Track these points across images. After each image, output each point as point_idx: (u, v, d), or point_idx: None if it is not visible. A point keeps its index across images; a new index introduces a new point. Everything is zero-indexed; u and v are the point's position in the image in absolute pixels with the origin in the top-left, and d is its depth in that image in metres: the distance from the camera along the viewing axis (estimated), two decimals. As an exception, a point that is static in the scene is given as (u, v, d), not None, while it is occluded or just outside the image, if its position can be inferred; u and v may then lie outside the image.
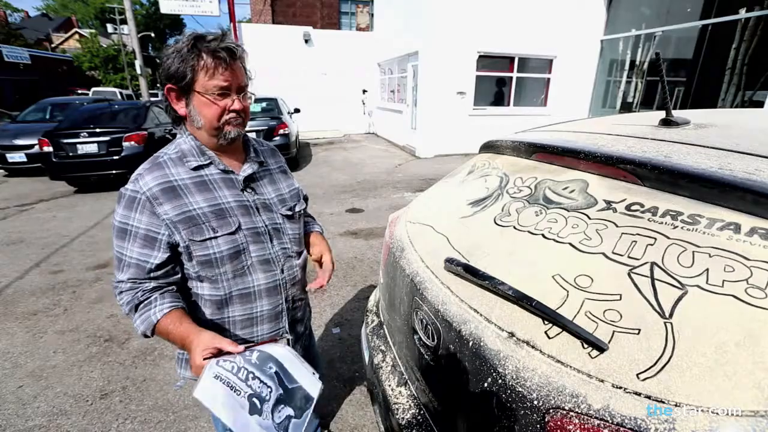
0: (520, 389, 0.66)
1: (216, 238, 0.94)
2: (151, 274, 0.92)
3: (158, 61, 0.92)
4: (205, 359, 0.82)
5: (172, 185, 0.91)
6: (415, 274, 1.05)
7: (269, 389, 0.84)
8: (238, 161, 1.03)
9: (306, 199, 1.24)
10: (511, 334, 0.72)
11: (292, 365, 0.91)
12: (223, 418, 0.75)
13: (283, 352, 0.92)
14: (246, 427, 0.78)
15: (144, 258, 0.91)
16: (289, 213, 1.10)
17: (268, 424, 0.81)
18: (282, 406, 0.85)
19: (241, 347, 0.87)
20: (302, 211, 1.18)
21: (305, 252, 1.21)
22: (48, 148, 5.98)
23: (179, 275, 0.98)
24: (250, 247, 1.00)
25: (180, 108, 0.94)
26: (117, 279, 0.93)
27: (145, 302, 0.91)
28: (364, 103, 13.33)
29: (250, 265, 1.01)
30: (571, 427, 0.59)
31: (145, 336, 0.92)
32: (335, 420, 1.90)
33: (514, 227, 0.91)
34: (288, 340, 1.13)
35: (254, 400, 0.80)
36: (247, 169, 1.02)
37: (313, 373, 0.94)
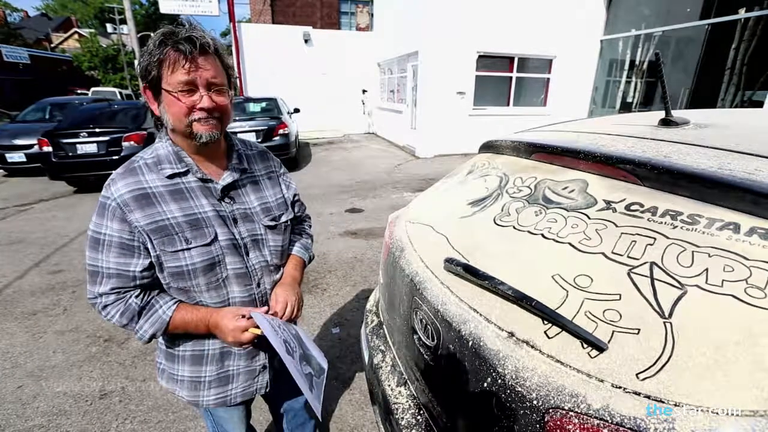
0: (519, 389, 0.66)
1: (189, 249, 0.89)
2: (137, 281, 0.88)
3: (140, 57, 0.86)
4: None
5: (144, 192, 0.86)
6: (415, 274, 1.05)
7: (294, 345, 0.97)
8: (218, 168, 0.97)
9: (297, 204, 1.18)
10: (511, 334, 0.72)
11: (306, 339, 1.05)
12: (274, 344, 0.87)
13: (298, 328, 1.05)
14: (287, 360, 0.89)
15: (123, 267, 0.86)
16: (273, 224, 1.04)
17: (299, 369, 0.93)
18: (305, 363, 0.97)
19: (264, 308, 0.98)
20: (288, 222, 1.10)
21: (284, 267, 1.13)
22: (47, 148, 5.97)
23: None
24: (225, 259, 0.94)
25: (154, 108, 0.88)
26: (96, 292, 0.87)
27: (148, 305, 0.90)
28: (363, 103, 13.32)
29: (225, 278, 0.96)
30: (570, 426, 0.59)
31: (150, 340, 0.92)
32: (335, 420, 1.90)
33: (514, 227, 0.91)
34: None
35: (287, 344, 0.93)
36: (227, 178, 0.96)
37: (320, 351, 1.08)
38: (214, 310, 0.92)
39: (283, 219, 1.08)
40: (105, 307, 0.88)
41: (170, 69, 0.82)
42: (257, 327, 0.90)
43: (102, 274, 0.87)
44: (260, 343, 0.96)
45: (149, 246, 0.87)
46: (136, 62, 12.63)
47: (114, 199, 0.85)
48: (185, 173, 0.91)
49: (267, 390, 1.10)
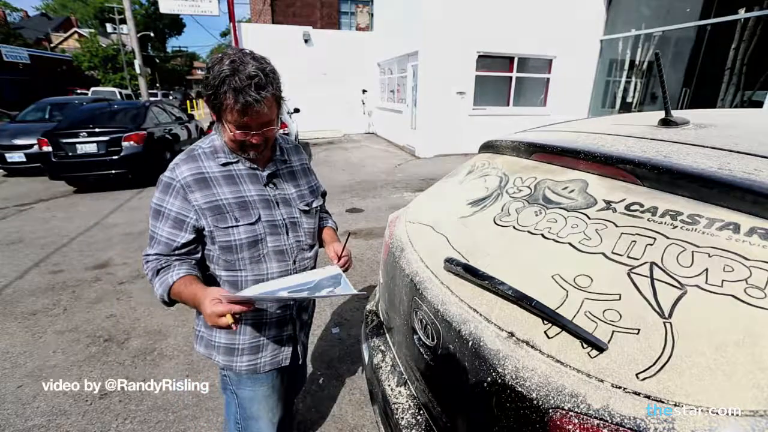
0: (519, 389, 0.66)
1: (237, 226, 1.03)
2: (176, 252, 1.02)
3: (207, 66, 0.96)
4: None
5: (203, 176, 1.01)
6: (415, 274, 1.05)
7: (296, 286, 1.03)
8: (264, 158, 1.10)
9: (324, 194, 1.34)
10: (511, 334, 0.72)
11: (305, 277, 1.08)
12: (275, 297, 1.01)
13: (282, 285, 1.04)
14: (301, 295, 1.02)
15: (172, 237, 1.01)
16: (306, 208, 1.19)
17: (318, 295, 1.04)
18: (317, 291, 1.04)
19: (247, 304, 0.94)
20: (318, 208, 1.26)
21: (317, 246, 1.28)
22: (47, 148, 5.97)
23: (199, 255, 1.07)
24: (267, 237, 1.08)
25: (213, 116, 1.00)
26: (146, 252, 1.04)
27: (165, 267, 1.01)
28: (363, 103, 13.32)
29: (265, 254, 1.08)
30: (570, 426, 0.59)
31: (164, 302, 1.01)
32: (335, 420, 1.90)
33: (514, 227, 0.91)
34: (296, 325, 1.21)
35: (290, 291, 1.01)
36: (271, 167, 1.11)
37: (323, 270, 1.12)
38: (203, 289, 0.95)
39: (315, 205, 1.23)
40: (147, 262, 1.04)
41: (230, 112, 0.93)
42: (234, 315, 0.90)
43: (155, 240, 1.03)
44: (254, 320, 1.12)
45: (204, 222, 1.01)
46: (135, 62, 12.63)
47: (178, 181, 1.00)
48: (237, 162, 1.06)
49: (290, 362, 1.22)
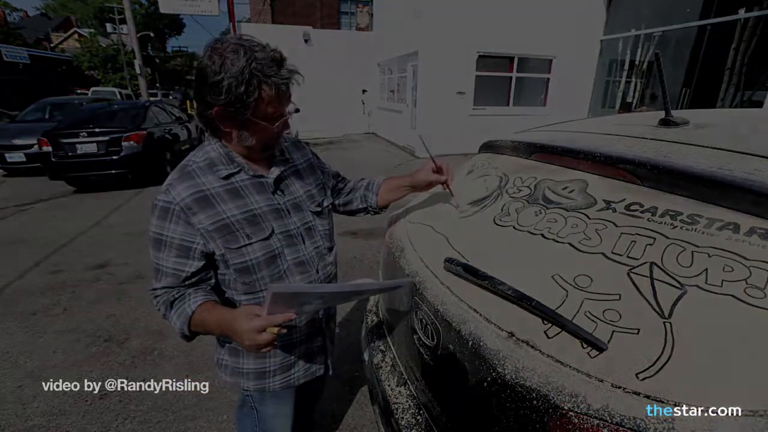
0: (519, 389, 0.66)
1: (251, 244, 0.94)
2: (186, 282, 0.93)
3: (201, 68, 0.83)
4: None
5: (204, 194, 0.90)
6: (415, 274, 1.05)
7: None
8: (266, 163, 1.01)
9: (337, 176, 1.30)
10: (511, 334, 0.72)
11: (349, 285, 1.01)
12: (311, 288, 0.92)
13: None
14: (335, 286, 1.00)
15: (179, 267, 0.91)
16: (318, 209, 1.10)
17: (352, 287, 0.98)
18: (361, 287, 1.00)
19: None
20: (330, 206, 1.18)
21: (335, 247, 1.20)
22: (47, 148, 5.98)
23: (213, 280, 0.98)
24: (284, 250, 0.99)
25: (225, 127, 0.89)
26: (153, 286, 0.95)
27: (179, 298, 0.92)
28: (363, 103, 13.32)
29: (286, 268, 1.00)
30: (570, 426, 0.59)
31: (184, 336, 0.92)
32: (335, 419, 1.90)
33: (514, 227, 0.91)
34: (326, 340, 1.17)
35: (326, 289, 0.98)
36: (275, 171, 1.00)
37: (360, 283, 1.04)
38: (230, 311, 0.86)
39: (326, 204, 1.14)
40: (156, 297, 0.95)
41: (270, 105, 0.85)
42: (275, 327, 0.78)
43: (162, 272, 0.93)
44: (287, 341, 1.04)
45: (213, 245, 0.92)
46: (135, 62, 12.61)
47: (177, 203, 0.88)
48: (238, 172, 0.95)
49: (322, 372, 1.18)
